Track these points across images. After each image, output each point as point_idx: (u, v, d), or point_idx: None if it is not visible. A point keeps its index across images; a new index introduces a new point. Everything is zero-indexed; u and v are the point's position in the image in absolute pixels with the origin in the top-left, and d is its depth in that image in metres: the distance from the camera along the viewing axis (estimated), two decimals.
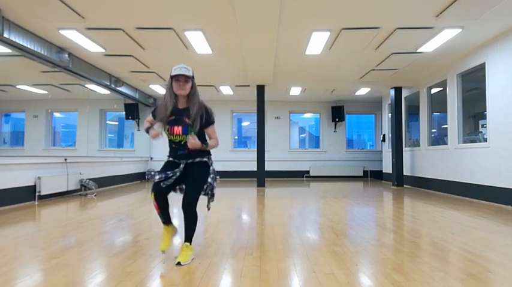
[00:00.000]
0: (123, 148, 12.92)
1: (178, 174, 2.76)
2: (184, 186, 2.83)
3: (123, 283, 2.26)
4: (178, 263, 2.62)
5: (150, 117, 2.91)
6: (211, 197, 2.92)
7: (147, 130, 2.86)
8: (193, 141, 2.65)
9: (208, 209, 2.95)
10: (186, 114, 2.73)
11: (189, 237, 2.74)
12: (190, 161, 2.79)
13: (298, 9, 5.03)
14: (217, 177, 2.98)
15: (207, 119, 2.80)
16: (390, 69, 8.17)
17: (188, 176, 2.77)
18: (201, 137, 2.79)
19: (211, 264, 2.67)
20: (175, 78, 2.70)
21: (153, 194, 2.76)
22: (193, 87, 2.75)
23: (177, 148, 2.81)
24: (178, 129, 2.73)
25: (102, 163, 9.06)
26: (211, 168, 2.90)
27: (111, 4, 4.89)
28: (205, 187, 2.83)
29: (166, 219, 2.86)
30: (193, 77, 2.75)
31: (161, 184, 2.73)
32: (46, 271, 2.54)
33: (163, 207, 2.82)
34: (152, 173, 2.90)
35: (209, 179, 2.85)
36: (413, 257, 2.85)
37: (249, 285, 2.25)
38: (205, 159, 2.84)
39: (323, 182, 11.48)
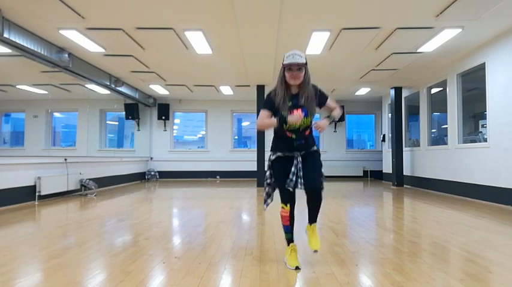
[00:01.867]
0: (123, 147, 12.92)
1: (297, 172, 2.53)
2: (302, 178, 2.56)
3: (123, 283, 2.26)
4: (316, 251, 2.58)
5: (266, 111, 2.56)
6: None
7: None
8: (321, 124, 2.49)
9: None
10: (303, 100, 2.53)
11: (315, 218, 2.64)
12: (304, 152, 2.59)
13: (298, 9, 5.03)
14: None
15: (323, 97, 2.65)
16: (390, 69, 8.17)
17: (308, 165, 2.56)
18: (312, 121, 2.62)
19: (211, 264, 2.67)
20: (287, 67, 2.46)
21: (287, 206, 2.58)
22: (306, 74, 2.51)
23: (293, 139, 2.56)
24: (298, 112, 2.45)
25: (102, 163, 9.07)
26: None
27: (111, 4, 4.89)
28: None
29: (292, 234, 2.67)
30: (306, 63, 2.49)
31: (290, 189, 2.52)
32: (46, 271, 2.54)
33: (293, 218, 2.64)
34: (267, 182, 2.70)
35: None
36: (413, 257, 2.85)
37: (249, 285, 2.25)
38: (317, 148, 2.67)
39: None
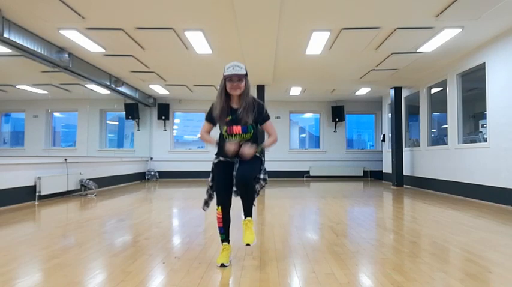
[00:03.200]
0: (123, 147, 12.92)
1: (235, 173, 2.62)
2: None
3: (123, 283, 2.26)
4: (248, 245, 2.57)
5: (206, 124, 2.75)
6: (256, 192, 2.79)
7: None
8: (248, 152, 2.54)
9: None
10: (241, 113, 2.61)
11: (250, 212, 2.66)
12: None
13: (298, 9, 5.03)
14: (266, 177, 2.80)
15: (261, 115, 2.67)
16: (390, 69, 8.17)
17: (243, 164, 2.62)
18: (253, 136, 2.69)
19: (211, 264, 2.67)
20: (228, 78, 2.56)
21: (220, 207, 2.66)
22: (246, 85, 2.62)
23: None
24: (237, 129, 2.62)
25: (102, 163, 9.07)
26: (263, 167, 2.78)
27: (111, 4, 4.89)
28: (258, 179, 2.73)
29: (227, 235, 2.74)
30: (246, 75, 2.60)
31: (226, 193, 2.64)
32: (46, 271, 2.54)
33: (227, 220, 2.72)
34: (210, 184, 2.76)
35: (261, 175, 2.74)
36: (413, 257, 2.85)
37: (249, 285, 2.25)
38: (259, 155, 2.73)
39: (323, 182, 11.48)
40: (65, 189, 6.95)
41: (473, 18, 5.24)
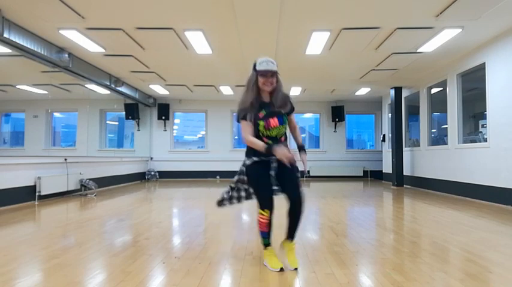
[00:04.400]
0: (123, 148, 12.92)
1: (274, 176, 2.55)
2: (279, 186, 2.59)
3: (123, 283, 2.26)
4: (296, 269, 2.51)
5: (245, 124, 2.56)
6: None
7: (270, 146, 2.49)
8: (305, 161, 2.61)
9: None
10: (277, 105, 2.60)
11: (295, 233, 2.64)
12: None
13: (298, 9, 5.03)
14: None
15: (292, 107, 2.71)
16: (390, 69, 8.17)
17: (287, 174, 2.57)
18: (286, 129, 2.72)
19: (211, 264, 2.67)
20: (261, 73, 2.52)
21: (267, 211, 2.50)
22: (278, 81, 2.60)
23: (271, 145, 2.53)
24: (274, 122, 2.56)
25: (102, 163, 9.07)
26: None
27: (111, 4, 4.89)
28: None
29: (270, 238, 2.61)
30: (277, 71, 2.58)
31: (272, 195, 2.52)
32: (46, 271, 2.54)
33: (271, 224, 2.57)
34: (233, 186, 2.71)
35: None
36: (413, 257, 2.85)
37: (249, 285, 2.25)
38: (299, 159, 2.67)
39: (323, 182, 11.48)
40: (65, 189, 6.95)
41: (473, 18, 5.24)
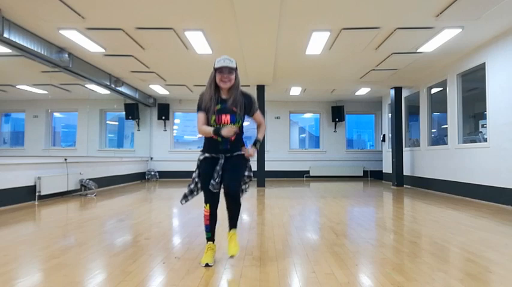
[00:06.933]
0: (123, 148, 12.92)
1: (220, 172, 2.65)
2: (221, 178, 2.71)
3: (123, 283, 2.26)
4: (232, 257, 2.65)
5: (200, 115, 2.68)
6: (243, 191, 2.89)
7: (216, 131, 2.58)
8: (251, 153, 2.69)
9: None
10: (230, 103, 2.65)
11: (235, 223, 2.75)
12: (229, 155, 2.69)
13: (298, 9, 5.03)
14: (251, 175, 2.88)
15: (252, 106, 2.75)
16: (390, 69, 8.17)
17: (228, 167, 2.67)
18: (241, 127, 2.75)
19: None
20: (218, 70, 2.59)
21: (208, 205, 2.69)
22: (236, 78, 2.66)
23: (219, 142, 2.65)
24: (226, 118, 2.63)
25: (102, 163, 9.06)
26: (249, 164, 2.84)
27: (111, 4, 4.89)
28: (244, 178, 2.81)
29: (213, 233, 2.77)
30: (236, 68, 2.64)
31: (213, 190, 2.64)
32: (46, 271, 2.54)
33: (214, 218, 2.75)
34: (195, 180, 2.76)
35: (246, 173, 2.80)
36: (413, 257, 2.85)
37: (249, 285, 2.25)
38: (243, 152, 2.76)
39: (323, 182, 11.48)
40: (65, 189, 6.95)
41: (473, 18, 5.24)
